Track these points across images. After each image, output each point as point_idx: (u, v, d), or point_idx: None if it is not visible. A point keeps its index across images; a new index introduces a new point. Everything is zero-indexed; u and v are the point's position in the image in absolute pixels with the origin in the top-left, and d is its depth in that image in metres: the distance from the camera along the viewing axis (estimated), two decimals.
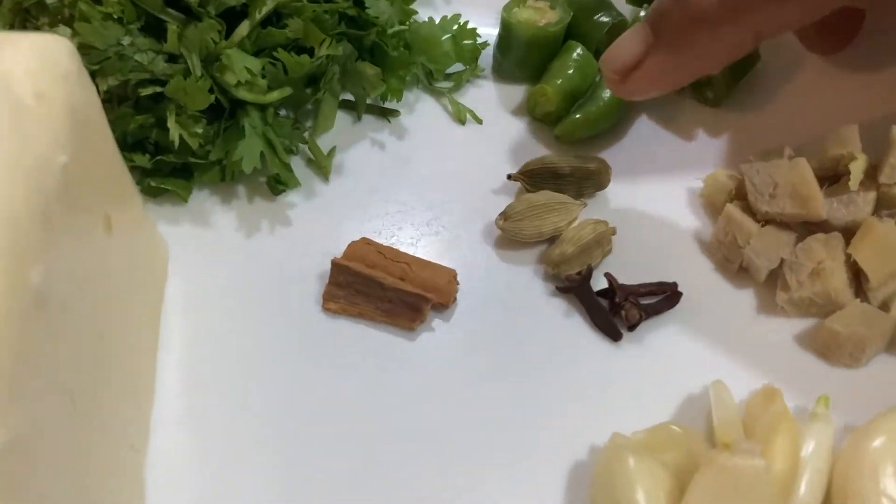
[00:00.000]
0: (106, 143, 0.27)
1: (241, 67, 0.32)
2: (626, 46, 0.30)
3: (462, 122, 0.37)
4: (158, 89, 0.32)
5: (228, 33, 0.32)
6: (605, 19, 0.37)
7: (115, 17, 0.32)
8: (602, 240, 0.32)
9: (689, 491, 0.24)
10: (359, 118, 0.36)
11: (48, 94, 0.23)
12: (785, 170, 0.31)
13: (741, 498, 0.24)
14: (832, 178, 0.32)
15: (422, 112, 0.37)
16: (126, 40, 0.32)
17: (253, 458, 0.28)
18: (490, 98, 0.37)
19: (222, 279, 0.32)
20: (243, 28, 0.33)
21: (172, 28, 0.32)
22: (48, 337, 0.20)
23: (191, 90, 0.32)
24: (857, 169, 0.31)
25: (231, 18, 0.33)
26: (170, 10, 0.32)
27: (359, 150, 0.36)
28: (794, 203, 0.31)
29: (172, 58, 0.32)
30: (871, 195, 0.31)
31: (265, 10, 0.33)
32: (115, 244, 0.27)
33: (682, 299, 0.31)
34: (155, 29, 0.32)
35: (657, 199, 0.34)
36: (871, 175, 0.32)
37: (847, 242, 0.31)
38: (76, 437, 0.22)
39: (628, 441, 0.26)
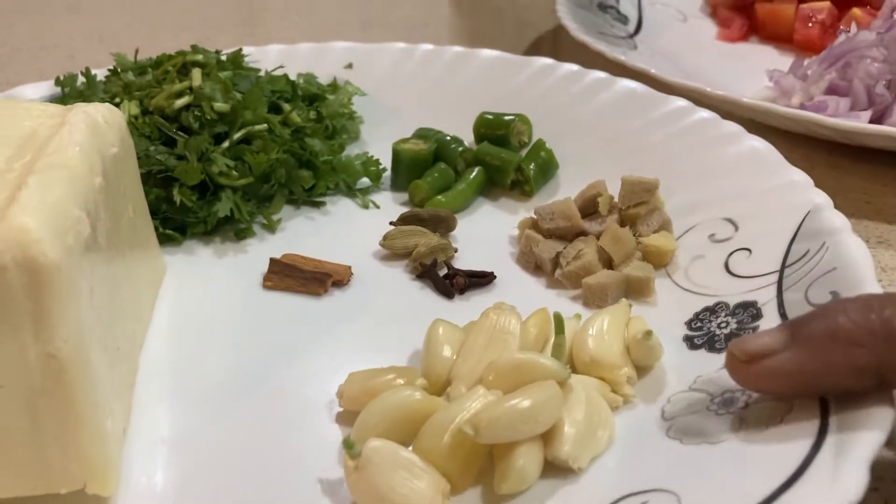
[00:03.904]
0: (135, 172, 0.46)
1: (221, 163, 0.52)
2: (762, 338, 0.33)
3: (366, 207, 0.56)
4: (170, 174, 0.52)
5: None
6: (459, 148, 0.58)
7: (146, 134, 0.52)
8: (446, 248, 0.49)
9: (468, 335, 0.40)
10: (298, 207, 0.56)
11: (109, 122, 0.42)
12: (559, 204, 0.50)
13: (500, 343, 0.39)
14: (592, 212, 0.51)
15: (342, 205, 0.56)
16: (151, 148, 0.52)
17: (221, 366, 0.43)
18: (387, 198, 0.57)
19: (200, 283, 0.49)
20: (224, 144, 0.53)
21: (181, 140, 0.52)
22: (105, 205, 0.38)
23: (189, 171, 0.51)
24: (604, 201, 0.50)
25: (218, 138, 0.53)
26: (179, 132, 0.53)
27: (298, 223, 0.54)
28: (563, 220, 0.49)
29: (180, 158, 0.52)
30: (614, 216, 0.50)
31: (239, 134, 0.54)
32: (136, 235, 0.45)
33: (498, 282, 0.48)
34: (171, 141, 0.53)
35: (489, 236, 0.52)
36: (615, 207, 0.50)
37: None
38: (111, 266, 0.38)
39: (446, 323, 0.42)
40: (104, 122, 0.42)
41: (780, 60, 0.76)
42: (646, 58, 0.72)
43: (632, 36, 0.80)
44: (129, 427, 0.39)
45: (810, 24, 0.77)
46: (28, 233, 0.31)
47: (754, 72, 0.74)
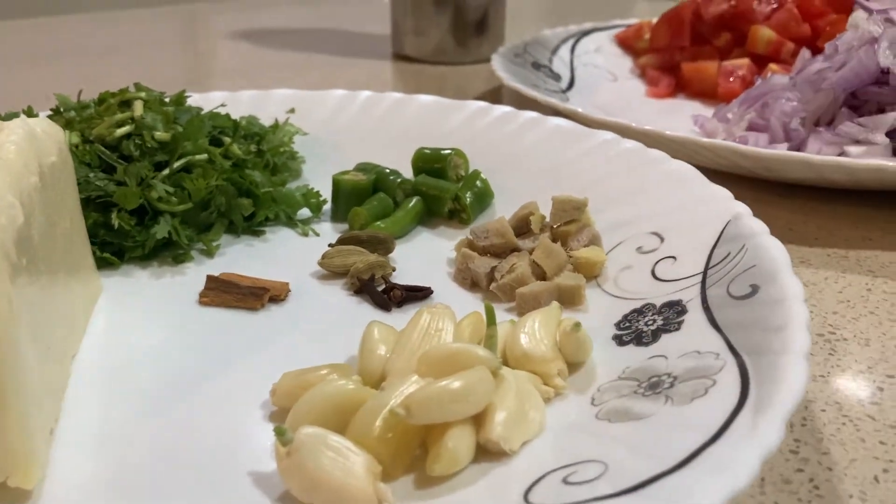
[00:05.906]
0: (73, 188, 0.46)
1: (161, 189, 0.53)
2: None
3: (306, 235, 0.56)
4: (108, 199, 0.52)
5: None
6: (398, 180, 0.59)
7: (86, 162, 0.53)
8: (384, 265, 0.50)
9: (402, 334, 0.40)
10: (238, 235, 0.56)
11: (48, 133, 0.43)
12: (493, 223, 0.51)
13: (434, 339, 0.40)
14: (525, 231, 0.52)
15: (282, 234, 0.57)
16: (91, 175, 0.52)
17: (152, 391, 0.42)
18: (327, 227, 0.58)
19: (136, 301, 0.49)
20: (165, 172, 0.54)
21: (120, 167, 0.53)
22: (41, 207, 0.38)
23: (128, 196, 0.52)
24: (536, 220, 0.52)
25: (158, 167, 0.54)
26: (119, 160, 0.54)
27: (237, 249, 0.55)
28: (497, 237, 0.51)
29: (119, 184, 0.53)
30: (546, 234, 0.51)
31: (179, 163, 0.55)
32: (72, 249, 0.45)
33: (434, 297, 0.49)
34: (111, 168, 0.53)
35: (426, 259, 0.53)
36: (546, 225, 0.52)
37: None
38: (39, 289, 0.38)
39: (381, 324, 0.42)
40: (43, 132, 0.43)
41: (706, 112, 0.80)
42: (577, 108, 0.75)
43: (564, 91, 0.84)
44: (58, 428, 0.38)
45: (732, 79, 0.82)
46: None
47: (682, 123, 0.78)
